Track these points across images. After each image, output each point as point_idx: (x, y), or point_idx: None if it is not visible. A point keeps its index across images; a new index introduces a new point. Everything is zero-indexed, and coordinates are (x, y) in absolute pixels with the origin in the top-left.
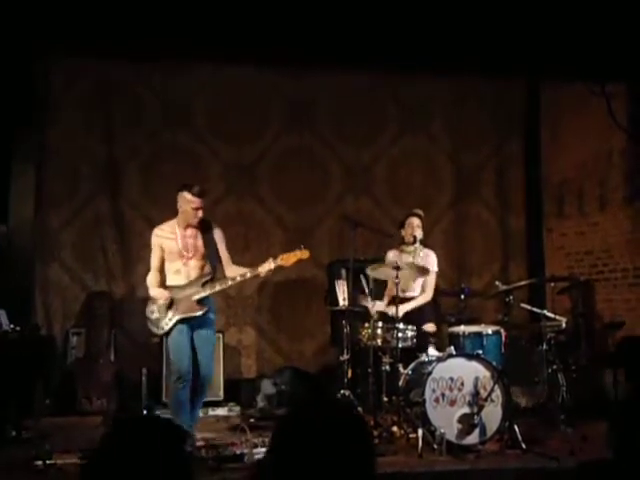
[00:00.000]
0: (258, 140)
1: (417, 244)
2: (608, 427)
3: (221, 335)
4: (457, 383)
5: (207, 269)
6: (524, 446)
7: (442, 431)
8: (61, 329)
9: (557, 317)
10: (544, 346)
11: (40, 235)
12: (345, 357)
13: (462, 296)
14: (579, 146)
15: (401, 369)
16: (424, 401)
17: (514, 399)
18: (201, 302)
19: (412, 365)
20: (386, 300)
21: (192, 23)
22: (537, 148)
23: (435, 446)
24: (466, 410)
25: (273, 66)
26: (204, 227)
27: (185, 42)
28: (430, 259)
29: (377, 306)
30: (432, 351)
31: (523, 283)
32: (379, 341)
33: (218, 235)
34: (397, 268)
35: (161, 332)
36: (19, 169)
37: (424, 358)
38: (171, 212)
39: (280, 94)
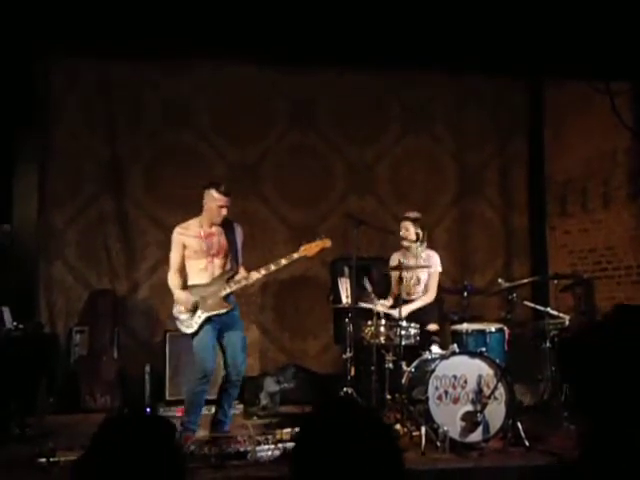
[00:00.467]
0: (261, 139)
1: (418, 243)
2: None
3: None
4: (460, 381)
5: (230, 266)
6: (527, 443)
7: (445, 429)
8: (64, 327)
9: (560, 315)
10: (547, 344)
11: (44, 234)
12: (348, 355)
13: (465, 293)
14: (583, 145)
15: (404, 367)
16: (427, 399)
17: (517, 397)
18: (227, 299)
19: (415, 363)
20: (390, 301)
21: (192, 22)
22: (540, 147)
23: (438, 444)
24: (469, 408)
25: (275, 65)
26: (227, 226)
27: (185, 41)
28: (432, 260)
29: (381, 305)
30: (435, 349)
31: (526, 281)
32: (382, 339)
33: (239, 234)
34: (400, 269)
35: (190, 331)
36: (22, 169)
37: (427, 356)
38: (174, 210)
39: (283, 93)
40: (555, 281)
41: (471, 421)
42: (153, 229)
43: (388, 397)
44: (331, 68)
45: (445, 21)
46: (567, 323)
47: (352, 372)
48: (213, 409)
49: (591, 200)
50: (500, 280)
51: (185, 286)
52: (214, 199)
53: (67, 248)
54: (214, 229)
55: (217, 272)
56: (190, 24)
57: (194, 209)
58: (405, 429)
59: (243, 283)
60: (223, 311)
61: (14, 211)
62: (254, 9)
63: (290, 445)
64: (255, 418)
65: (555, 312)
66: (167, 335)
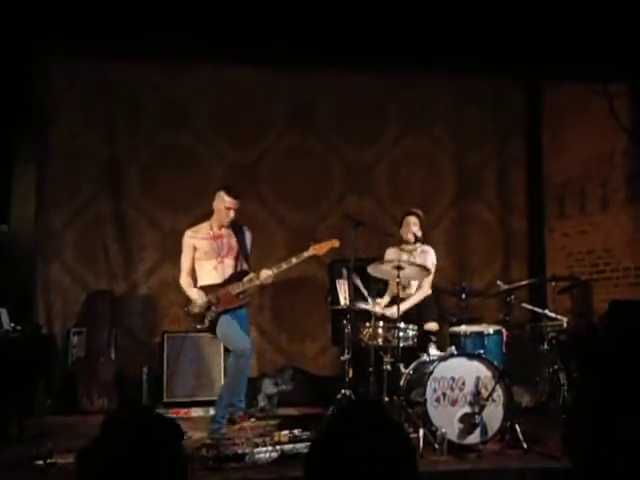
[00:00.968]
0: (260, 140)
1: (417, 243)
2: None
3: None
4: (458, 383)
5: (241, 266)
6: (525, 446)
7: (443, 431)
8: (62, 328)
9: (558, 317)
10: (545, 346)
11: (41, 235)
12: (346, 357)
13: (463, 295)
14: (581, 146)
15: (402, 369)
16: (425, 401)
17: (515, 398)
18: (239, 295)
19: (413, 365)
20: (386, 300)
21: (192, 23)
22: (539, 148)
23: (436, 446)
24: (467, 410)
25: (274, 66)
26: (236, 228)
27: (185, 42)
28: (429, 254)
29: (377, 305)
30: (433, 351)
31: (524, 283)
32: (380, 340)
33: (248, 238)
34: (398, 267)
35: (204, 326)
36: (21, 169)
37: (425, 358)
38: (172, 211)
39: (281, 94)
40: (553, 283)
41: (469, 423)
42: (151, 230)
43: (386, 399)
44: (330, 69)
45: (444, 22)
46: (565, 325)
47: (350, 374)
48: (212, 411)
49: (589, 202)
50: (498, 282)
51: (196, 287)
52: (223, 201)
53: (65, 249)
54: (223, 231)
55: (228, 272)
56: (190, 25)
57: (192, 210)
58: None
59: (255, 282)
60: (236, 304)
61: (12, 212)
62: (253, 10)
63: (288, 447)
64: (253, 420)
65: (553, 314)
66: (165, 336)
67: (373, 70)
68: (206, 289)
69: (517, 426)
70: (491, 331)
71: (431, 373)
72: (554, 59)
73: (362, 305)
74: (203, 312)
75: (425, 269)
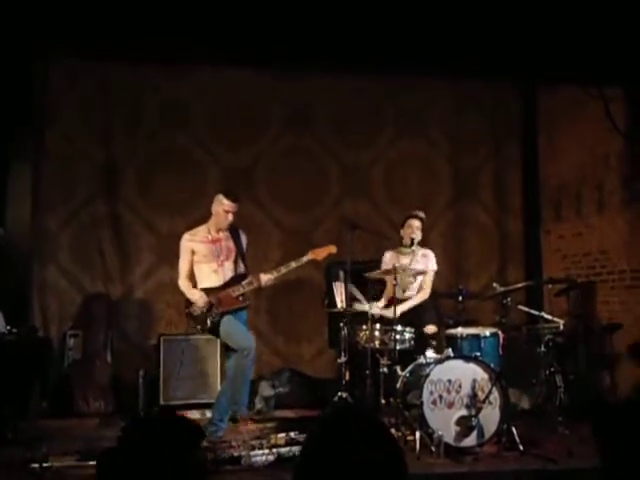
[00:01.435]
0: (256, 143)
1: (414, 246)
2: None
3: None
4: (455, 385)
5: (240, 269)
6: (522, 448)
7: (440, 433)
8: (58, 331)
9: (555, 319)
10: (542, 348)
11: (37, 237)
12: (343, 359)
13: (460, 297)
14: (576, 149)
15: (399, 371)
16: (422, 403)
17: (512, 401)
18: (239, 298)
19: (410, 367)
20: (384, 301)
21: (192, 25)
22: (535, 151)
23: (433, 448)
24: (464, 412)
25: (271, 69)
26: (233, 231)
27: (184, 44)
28: (429, 259)
29: (374, 308)
30: (430, 353)
31: (520, 285)
32: (377, 343)
33: (244, 240)
34: (394, 272)
35: (206, 327)
36: (17, 170)
37: (422, 360)
38: (168, 214)
39: (278, 97)
40: (549, 285)
41: (466, 426)
42: (147, 233)
43: (383, 402)
44: (327, 72)
45: (440, 26)
46: (561, 327)
47: (347, 376)
48: (208, 413)
49: (585, 205)
50: (495, 284)
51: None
52: (222, 204)
53: (61, 251)
54: (221, 234)
55: (228, 275)
56: (189, 27)
57: (189, 213)
58: (400, 434)
59: (255, 285)
60: (237, 306)
61: (7, 214)
62: (252, 13)
63: (284, 450)
64: (250, 422)
65: (549, 316)
66: (161, 339)
67: (370, 73)
68: (206, 292)
69: (514, 428)
70: (487, 333)
71: (428, 375)
72: (550, 63)
73: (359, 307)
74: (205, 313)
75: (423, 272)
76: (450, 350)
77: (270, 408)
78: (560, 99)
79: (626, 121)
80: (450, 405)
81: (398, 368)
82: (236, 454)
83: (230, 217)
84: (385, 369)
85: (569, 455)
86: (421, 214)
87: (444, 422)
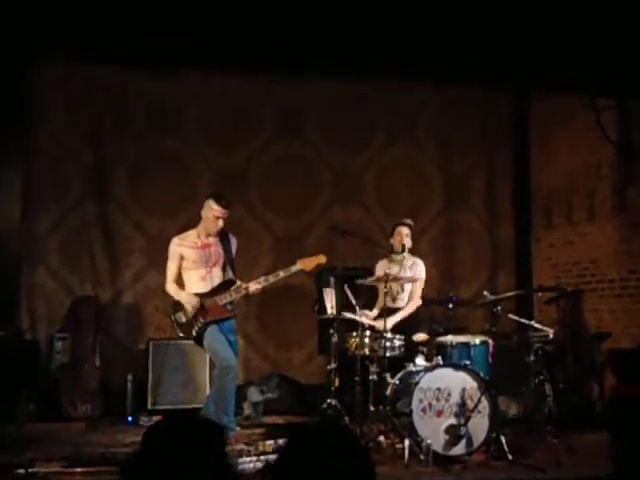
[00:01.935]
0: (247, 147)
1: (405, 253)
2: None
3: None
4: (444, 393)
5: (229, 275)
6: (510, 457)
7: (429, 442)
8: (46, 334)
9: (544, 328)
10: (531, 356)
11: (27, 238)
12: (333, 366)
13: (450, 305)
14: (568, 158)
15: (388, 379)
16: (411, 411)
17: (501, 408)
18: (227, 306)
19: (399, 375)
20: (376, 312)
21: (183, 28)
22: (526, 159)
23: (421, 457)
24: (453, 421)
25: (263, 73)
26: (223, 236)
27: (176, 47)
28: (418, 268)
29: (365, 317)
30: (420, 361)
31: (511, 294)
32: (367, 350)
33: (234, 244)
34: (386, 280)
35: (192, 335)
36: (5, 172)
37: (412, 368)
38: (158, 216)
39: (270, 101)
40: (539, 294)
41: (454, 434)
42: (137, 235)
43: (372, 409)
44: (320, 77)
45: (433, 32)
46: (551, 336)
47: (336, 383)
48: None
49: (576, 213)
50: (485, 292)
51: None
52: (212, 210)
53: (50, 253)
54: (211, 239)
55: (216, 281)
56: (180, 30)
57: (179, 216)
58: (389, 441)
59: (243, 292)
60: (225, 316)
61: None
62: (244, 17)
63: (272, 457)
64: (238, 428)
65: (539, 325)
66: (150, 344)
67: (362, 79)
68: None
69: (502, 437)
70: (477, 342)
71: (417, 383)
72: (543, 71)
73: (349, 315)
74: (191, 320)
75: (413, 279)
76: (440, 358)
77: (259, 414)
78: (553, 107)
79: (618, 130)
80: (439, 413)
81: (388, 375)
82: None
83: (220, 223)
84: (375, 376)
85: (557, 465)
86: (409, 221)
87: (433, 430)
